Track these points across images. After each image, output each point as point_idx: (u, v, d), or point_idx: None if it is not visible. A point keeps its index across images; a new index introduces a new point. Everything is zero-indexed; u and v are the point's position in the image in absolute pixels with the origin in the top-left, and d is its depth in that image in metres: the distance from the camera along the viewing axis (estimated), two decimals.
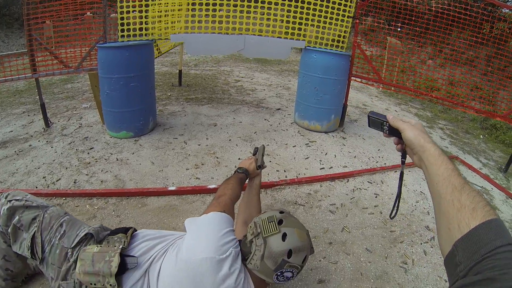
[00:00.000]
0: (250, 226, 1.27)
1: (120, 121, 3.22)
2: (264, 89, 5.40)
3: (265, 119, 3.95)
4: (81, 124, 3.62)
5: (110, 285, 1.17)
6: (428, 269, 1.91)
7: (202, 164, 2.86)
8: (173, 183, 2.56)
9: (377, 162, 3.13)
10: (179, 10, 3.58)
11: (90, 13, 3.97)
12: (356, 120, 4.22)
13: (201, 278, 1.11)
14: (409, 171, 3.02)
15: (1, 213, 1.38)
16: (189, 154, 3.01)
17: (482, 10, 3.72)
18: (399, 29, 4.04)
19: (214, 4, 3.46)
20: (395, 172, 2.94)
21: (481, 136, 4.66)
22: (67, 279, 1.26)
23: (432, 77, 4.85)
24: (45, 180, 2.62)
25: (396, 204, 1.00)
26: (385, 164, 3.09)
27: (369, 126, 0.97)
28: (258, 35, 3.51)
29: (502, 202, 2.86)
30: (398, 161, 3.15)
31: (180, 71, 5.25)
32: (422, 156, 0.78)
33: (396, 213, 1.02)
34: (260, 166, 1.77)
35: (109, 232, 1.37)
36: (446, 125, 4.82)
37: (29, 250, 1.32)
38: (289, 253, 1.17)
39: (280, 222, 1.22)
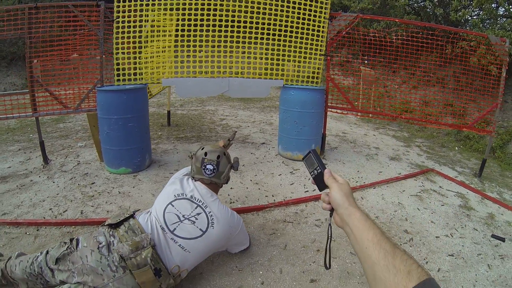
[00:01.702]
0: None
1: (119, 158, 3.59)
2: (248, 126, 5.92)
3: (251, 153, 4.40)
4: (79, 161, 3.96)
5: (128, 214, 1.92)
6: None
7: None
8: None
9: (357, 181, 3.56)
10: (168, 51, 4.03)
11: (77, 54, 4.41)
12: (336, 148, 4.70)
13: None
14: (387, 186, 3.45)
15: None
16: None
17: (443, 33, 4.34)
18: (366, 61, 4.66)
19: (195, 46, 3.92)
20: (374, 188, 3.38)
21: (456, 148, 5.24)
22: (99, 232, 1.83)
23: (406, 99, 5.44)
24: (52, 212, 2.92)
25: (328, 255, 0.99)
26: (364, 182, 3.51)
27: (303, 159, 1.06)
28: (240, 77, 4.00)
29: (478, 203, 3.32)
30: (376, 179, 3.63)
31: (168, 112, 5.74)
32: (347, 219, 0.83)
33: (330, 262, 1.00)
34: (225, 147, 2.61)
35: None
36: (422, 143, 5.37)
37: (67, 243, 1.81)
38: (205, 153, 2.14)
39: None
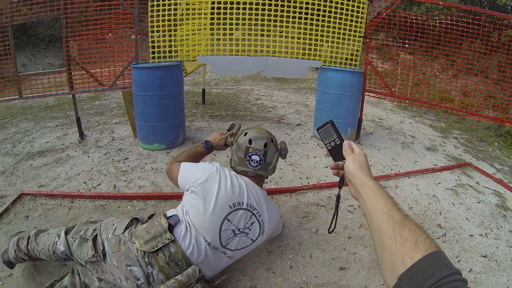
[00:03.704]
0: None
1: (153, 134, 3.65)
2: (284, 107, 5.86)
3: (286, 134, 4.36)
4: (113, 137, 4.07)
5: (168, 239, 1.54)
6: None
7: None
8: None
9: (392, 169, 3.45)
10: (204, 29, 4.01)
11: (112, 34, 4.48)
12: (372, 133, 4.57)
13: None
14: (422, 177, 3.32)
15: (72, 231, 1.76)
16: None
17: (490, 19, 4.08)
18: (406, 46, 4.44)
19: (231, 25, 3.87)
20: (408, 178, 3.26)
21: (495, 144, 4.96)
22: (130, 257, 1.53)
23: (445, 88, 5.20)
24: (86, 185, 3.03)
25: (334, 221, 1.10)
26: (399, 171, 3.40)
27: (318, 128, 1.02)
28: (277, 57, 3.93)
29: None
30: (411, 168, 3.50)
31: (203, 90, 5.77)
32: (360, 189, 0.83)
33: (334, 228, 1.11)
34: (228, 145, 2.12)
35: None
36: (460, 135, 5.13)
37: (93, 250, 1.59)
38: (250, 141, 1.81)
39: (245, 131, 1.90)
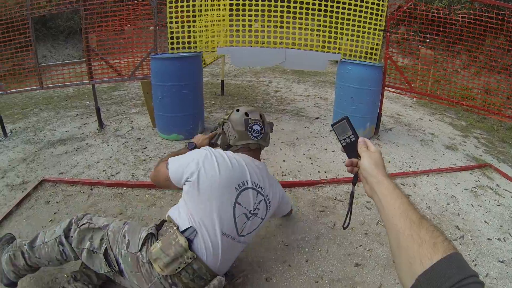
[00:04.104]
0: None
1: (172, 124, 3.71)
2: (302, 99, 5.85)
3: (305, 127, 4.36)
4: (132, 127, 4.15)
5: (190, 258, 1.44)
6: None
7: None
8: None
9: (410, 167, 3.41)
10: (223, 20, 4.03)
11: (130, 25, 4.54)
12: (391, 129, 4.51)
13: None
14: (441, 176, 3.27)
15: (73, 237, 1.59)
16: None
17: None
18: (427, 40, 4.35)
19: (250, 16, 3.86)
20: (427, 176, 3.21)
21: None
22: (152, 280, 1.47)
23: (467, 86, 5.08)
24: (105, 173, 3.10)
25: (349, 217, 1.07)
26: (417, 169, 3.36)
27: (333, 124, 1.01)
28: (297, 49, 3.91)
29: None
30: (430, 167, 3.45)
31: (222, 81, 5.81)
32: (375, 187, 0.82)
33: (348, 224, 1.08)
34: (213, 144, 2.03)
35: (155, 226, 1.61)
36: (481, 134, 4.98)
37: (107, 266, 1.52)
38: (246, 114, 1.78)
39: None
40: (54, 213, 2.59)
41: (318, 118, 4.75)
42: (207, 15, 3.95)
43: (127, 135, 3.90)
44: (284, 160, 3.39)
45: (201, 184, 1.56)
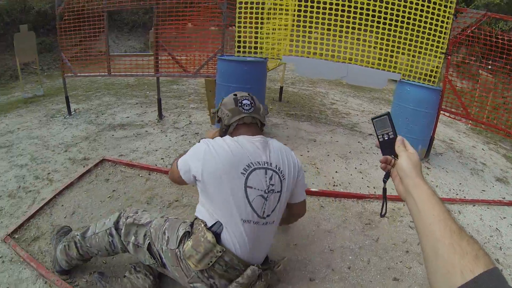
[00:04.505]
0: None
1: None
2: (357, 114, 6.03)
3: (358, 142, 4.54)
4: (190, 121, 4.51)
5: (220, 251, 1.54)
6: None
7: (304, 171, 3.46)
8: None
9: (457, 194, 3.49)
10: (284, 29, 4.23)
11: (191, 24, 4.89)
12: (441, 154, 4.56)
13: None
14: (488, 207, 3.31)
15: (121, 230, 1.79)
16: None
17: None
18: (489, 67, 4.35)
19: (311, 27, 4.05)
20: (473, 206, 3.27)
21: None
22: (190, 275, 1.61)
23: None
24: (163, 161, 3.41)
25: (385, 207, 1.15)
26: (464, 197, 3.43)
27: (373, 118, 1.02)
28: (359, 65, 4.08)
29: None
30: (478, 197, 3.48)
31: (281, 88, 6.13)
32: (411, 190, 0.82)
33: (385, 213, 1.15)
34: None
35: (190, 224, 1.71)
36: None
37: (152, 258, 1.71)
38: (235, 94, 1.93)
39: None
40: (113, 191, 2.88)
41: (371, 134, 4.90)
42: (275, 20, 4.17)
43: (185, 128, 4.26)
44: (336, 172, 3.61)
45: (208, 181, 1.63)
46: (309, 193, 3.04)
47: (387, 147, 0.98)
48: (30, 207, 2.69)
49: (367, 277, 2.17)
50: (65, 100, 4.77)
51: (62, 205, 2.71)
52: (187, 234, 1.65)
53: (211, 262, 1.54)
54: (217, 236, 1.59)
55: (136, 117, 4.64)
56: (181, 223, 1.73)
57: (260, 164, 1.69)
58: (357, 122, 5.49)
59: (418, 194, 0.80)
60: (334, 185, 3.32)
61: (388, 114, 0.99)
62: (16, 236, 2.33)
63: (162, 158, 3.50)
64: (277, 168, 1.74)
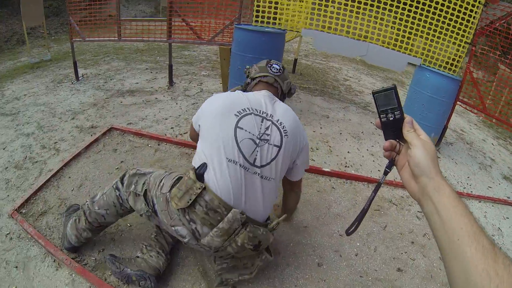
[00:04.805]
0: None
1: None
2: (370, 93, 5.94)
3: (371, 122, 4.56)
4: (202, 89, 4.48)
5: (199, 188, 1.53)
6: None
7: (316, 149, 3.56)
8: None
9: (465, 188, 3.56)
10: (306, 1, 4.14)
11: None
12: (452, 144, 4.61)
13: None
14: (493, 205, 3.38)
15: (125, 181, 1.86)
16: None
17: None
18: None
19: (334, 2, 3.98)
20: (479, 202, 3.34)
21: None
22: (173, 218, 1.61)
23: None
24: (173, 131, 3.41)
25: (358, 220, 0.93)
26: (471, 192, 3.50)
27: (375, 92, 0.82)
28: (380, 45, 4.03)
29: None
30: (484, 193, 3.53)
31: (295, 60, 6.10)
32: (432, 194, 0.68)
33: (355, 229, 0.93)
34: None
35: None
36: None
37: (146, 206, 1.73)
38: (269, 59, 2.09)
39: None
40: (121, 162, 2.88)
41: None
42: None
43: (196, 96, 4.24)
44: (348, 152, 3.66)
45: (204, 121, 1.74)
46: (321, 172, 3.12)
47: (392, 129, 0.82)
48: (37, 179, 2.69)
49: (373, 266, 2.27)
50: (72, 65, 4.69)
51: (69, 177, 2.71)
52: (180, 179, 1.68)
53: (190, 199, 1.52)
54: (201, 176, 1.60)
55: (146, 83, 4.60)
56: (178, 173, 1.77)
57: (257, 112, 1.74)
58: (370, 102, 5.49)
59: (441, 200, 0.67)
60: (345, 166, 3.37)
61: (394, 87, 0.80)
62: (23, 211, 2.34)
63: (172, 128, 3.48)
64: (279, 122, 1.75)
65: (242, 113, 1.70)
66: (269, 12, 4.02)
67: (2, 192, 2.54)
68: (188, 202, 1.53)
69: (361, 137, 4.06)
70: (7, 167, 2.83)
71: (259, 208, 1.69)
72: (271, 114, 1.76)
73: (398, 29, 3.99)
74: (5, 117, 3.71)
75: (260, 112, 1.74)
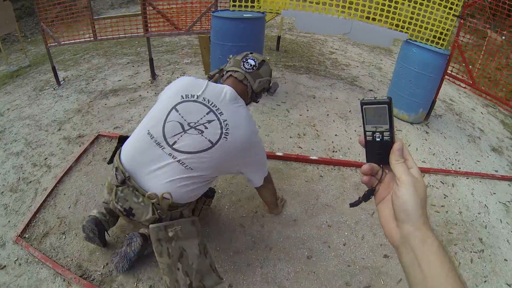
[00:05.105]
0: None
1: None
2: (357, 66, 6.05)
3: (358, 99, 4.55)
4: None
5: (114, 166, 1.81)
6: (469, 275, 2.39)
7: (304, 135, 3.64)
8: (278, 148, 3.38)
9: (453, 164, 3.65)
10: None
11: None
12: (441, 116, 4.69)
13: None
14: (480, 181, 3.44)
15: None
16: (292, 123, 3.85)
17: None
18: (503, 37, 4.32)
19: None
20: (467, 178, 3.43)
21: None
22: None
23: None
24: None
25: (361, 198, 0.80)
26: (459, 168, 3.59)
27: (364, 103, 0.69)
28: (364, 22, 4.02)
29: None
30: (472, 168, 3.62)
31: (278, 37, 6.08)
32: (415, 245, 0.62)
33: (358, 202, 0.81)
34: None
35: None
36: None
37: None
38: (251, 52, 2.05)
39: None
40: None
41: (371, 90, 4.99)
42: None
43: None
44: (336, 135, 3.75)
45: (159, 98, 1.92)
46: (309, 161, 3.21)
47: (377, 151, 0.70)
48: (34, 200, 2.75)
49: (360, 254, 2.40)
50: (50, 64, 4.63)
51: (65, 194, 2.77)
52: None
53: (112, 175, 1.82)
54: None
55: (128, 80, 4.59)
56: None
57: (207, 103, 1.77)
58: (357, 76, 5.54)
59: (426, 254, 0.60)
60: (333, 151, 3.46)
61: (389, 101, 0.66)
62: (26, 236, 2.43)
63: None
64: (225, 123, 1.75)
65: (188, 98, 1.76)
66: None
67: (3, 218, 2.61)
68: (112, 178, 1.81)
69: (348, 117, 4.13)
70: (2, 192, 2.88)
71: (157, 185, 1.70)
72: (221, 112, 1.76)
73: (383, 2, 3.96)
74: None
75: (210, 104, 1.76)
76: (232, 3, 4.01)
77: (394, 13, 3.99)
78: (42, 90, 4.65)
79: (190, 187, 1.76)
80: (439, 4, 3.83)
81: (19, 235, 2.40)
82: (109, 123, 3.65)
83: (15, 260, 2.25)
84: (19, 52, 6.52)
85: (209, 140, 1.70)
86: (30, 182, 2.96)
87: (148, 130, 1.72)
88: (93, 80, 4.67)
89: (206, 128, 1.71)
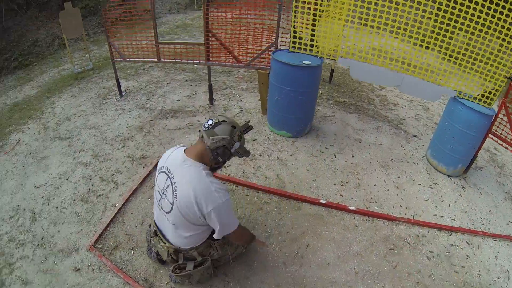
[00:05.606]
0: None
1: (283, 123, 4.68)
2: (405, 105, 6.46)
3: (401, 146, 5.05)
4: (241, 108, 5.06)
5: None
6: None
7: (346, 183, 4.15)
8: (322, 195, 3.89)
9: (483, 224, 3.91)
10: (338, 29, 4.57)
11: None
12: (481, 168, 4.95)
13: None
14: (508, 244, 3.72)
15: None
16: (337, 169, 4.35)
17: None
18: None
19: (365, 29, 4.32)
20: (494, 240, 3.72)
21: None
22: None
23: None
24: None
25: None
26: (489, 229, 3.84)
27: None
28: (415, 77, 4.46)
29: None
30: (504, 229, 3.89)
31: (332, 70, 6.62)
32: None
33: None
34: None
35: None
36: None
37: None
38: (224, 115, 2.45)
39: None
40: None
41: (415, 136, 5.38)
42: (328, 20, 4.52)
43: (236, 118, 4.83)
44: (375, 185, 4.19)
45: None
46: (347, 210, 3.78)
47: None
48: (103, 213, 3.37)
49: None
50: (115, 80, 5.30)
51: (132, 213, 3.40)
52: None
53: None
54: None
55: (187, 100, 5.17)
56: None
57: (166, 171, 2.36)
58: (403, 118, 5.94)
59: None
60: (370, 201, 3.94)
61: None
62: (99, 246, 3.08)
63: None
64: (175, 185, 2.27)
65: (160, 169, 2.41)
66: (306, 39, 4.49)
67: (76, 225, 3.24)
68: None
69: (389, 166, 4.58)
70: (74, 200, 3.51)
71: (169, 236, 2.58)
72: (173, 175, 2.28)
73: (446, 65, 4.34)
74: (62, 142, 4.43)
75: (168, 171, 2.32)
76: (291, 45, 4.57)
77: (446, 75, 4.38)
78: (106, 98, 5.39)
79: (184, 236, 2.47)
80: (491, 65, 4.22)
81: (93, 245, 3.05)
82: (169, 146, 4.18)
83: (88, 266, 2.89)
84: (82, 51, 7.42)
85: (170, 202, 2.33)
86: (100, 195, 3.59)
87: (156, 200, 2.56)
88: (153, 95, 5.33)
89: (167, 192, 2.32)
